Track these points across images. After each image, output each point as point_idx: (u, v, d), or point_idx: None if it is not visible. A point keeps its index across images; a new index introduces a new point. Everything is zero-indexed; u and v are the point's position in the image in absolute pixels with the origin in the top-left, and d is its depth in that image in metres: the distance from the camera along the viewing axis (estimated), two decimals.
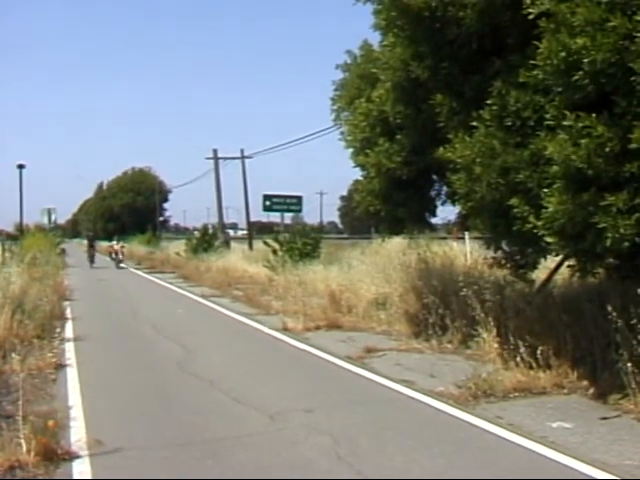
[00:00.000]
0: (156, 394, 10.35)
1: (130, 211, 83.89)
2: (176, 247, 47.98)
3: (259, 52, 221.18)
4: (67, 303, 21.62)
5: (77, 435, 8.00)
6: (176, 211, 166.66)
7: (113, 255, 46.33)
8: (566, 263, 11.40)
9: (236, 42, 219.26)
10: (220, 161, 48.79)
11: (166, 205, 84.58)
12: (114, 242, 47.83)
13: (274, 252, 27.83)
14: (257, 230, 62.48)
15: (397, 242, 24.50)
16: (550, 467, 6.91)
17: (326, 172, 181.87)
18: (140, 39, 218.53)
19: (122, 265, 44.47)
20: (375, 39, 14.15)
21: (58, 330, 14.97)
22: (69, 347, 14.03)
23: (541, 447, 7.40)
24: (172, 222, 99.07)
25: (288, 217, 40.76)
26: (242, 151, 47.73)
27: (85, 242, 53.31)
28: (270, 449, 7.62)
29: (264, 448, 7.66)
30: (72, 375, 11.47)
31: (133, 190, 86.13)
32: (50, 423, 7.65)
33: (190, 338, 15.16)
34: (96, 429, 8.16)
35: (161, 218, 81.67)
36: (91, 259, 46.06)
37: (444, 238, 25.73)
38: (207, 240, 42.20)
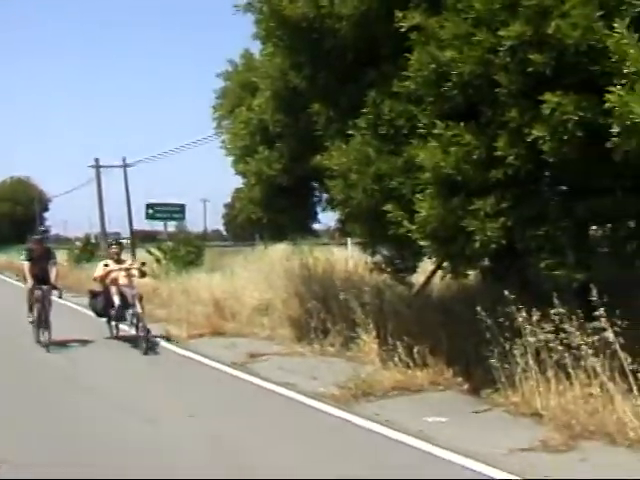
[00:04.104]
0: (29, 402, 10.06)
1: (9, 221, 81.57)
2: (58, 257, 46.50)
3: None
4: None
5: None
6: (57, 221, 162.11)
7: (114, 297, 15.09)
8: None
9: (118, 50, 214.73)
10: (103, 170, 47.89)
11: (46, 215, 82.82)
12: (109, 261, 15.90)
13: (157, 261, 27.63)
14: (141, 239, 61.45)
15: (281, 249, 24.62)
16: (424, 459, 7.23)
17: (210, 180, 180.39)
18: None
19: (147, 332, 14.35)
20: (256, 48, 14.35)
21: None
22: None
23: (416, 440, 7.71)
24: (53, 232, 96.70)
25: (172, 225, 40.38)
26: (124, 159, 46.88)
27: (23, 259, 15.31)
28: (151, 453, 7.65)
29: (145, 452, 7.66)
30: None
31: (12, 200, 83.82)
32: None
33: (70, 349, 14.90)
34: None
35: (42, 228, 79.63)
36: (41, 316, 14.50)
37: (327, 244, 26.11)
38: (89, 250, 41.43)
